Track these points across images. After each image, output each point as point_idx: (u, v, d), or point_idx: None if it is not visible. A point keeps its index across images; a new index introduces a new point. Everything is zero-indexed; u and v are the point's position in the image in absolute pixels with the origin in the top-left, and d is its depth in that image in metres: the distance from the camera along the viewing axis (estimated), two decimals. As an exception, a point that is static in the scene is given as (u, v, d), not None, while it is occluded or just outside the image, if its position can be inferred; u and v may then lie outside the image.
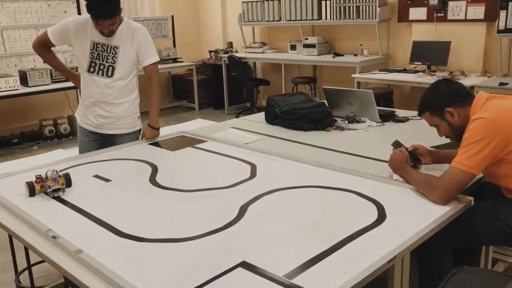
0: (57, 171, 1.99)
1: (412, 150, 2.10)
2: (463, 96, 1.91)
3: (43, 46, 2.78)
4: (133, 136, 2.85)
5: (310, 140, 2.67)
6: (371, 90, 3.07)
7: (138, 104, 2.87)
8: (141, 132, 2.87)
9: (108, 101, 2.72)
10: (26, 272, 2.64)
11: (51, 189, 1.94)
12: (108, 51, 2.65)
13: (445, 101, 1.90)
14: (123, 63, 2.69)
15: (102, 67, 2.67)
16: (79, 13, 6.20)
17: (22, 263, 2.70)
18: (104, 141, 2.81)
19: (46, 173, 1.98)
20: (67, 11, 6.13)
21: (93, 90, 2.71)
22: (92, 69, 2.68)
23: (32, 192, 1.96)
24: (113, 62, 2.66)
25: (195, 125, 3.58)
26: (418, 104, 2.01)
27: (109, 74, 2.68)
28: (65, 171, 2.08)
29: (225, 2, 7.82)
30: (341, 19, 5.95)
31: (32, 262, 2.61)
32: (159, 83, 2.85)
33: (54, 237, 1.58)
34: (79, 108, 2.87)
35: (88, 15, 2.60)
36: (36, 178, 1.98)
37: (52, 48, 2.82)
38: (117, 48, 2.65)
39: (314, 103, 3.05)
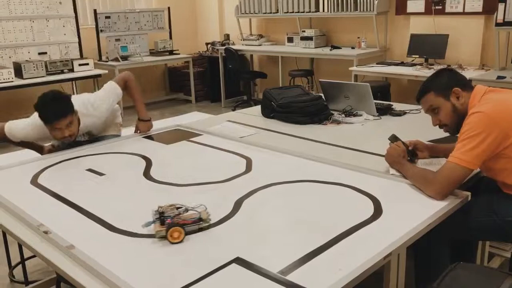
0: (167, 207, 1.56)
1: (409, 144, 2.08)
2: (467, 82, 1.91)
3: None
4: (118, 136, 2.86)
5: (306, 134, 2.64)
6: (368, 83, 3.05)
7: (119, 116, 2.89)
8: (135, 128, 2.84)
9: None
10: (20, 266, 2.62)
11: (207, 216, 1.56)
12: (82, 136, 2.62)
13: (452, 82, 1.89)
14: (97, 127, 2.68)
15: (78, 138, 2.58)
16: (74, 3, 6.15)
17: (16, 257, 2.69)
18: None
19: (164, 208, 1.55)
20: (62, 2, 6.06)
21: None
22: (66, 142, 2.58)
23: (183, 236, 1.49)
24: (88, 136, 2.64)
25: (191, 118, 3.55)
26: (419, 88, 1.95)
27: (87, 137, 2.66)
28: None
29: (221, -6, 7.76)
30: (338, 11, 5.90)
31: (25, 256, 2.59)
32: (131, 79, 2.76)
33: (45, 232, 1.55)
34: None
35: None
36: (160, 216, 1.52)
37: None
38: (89, 131, 2.62)
39: (310, 96, 3.03)
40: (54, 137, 2.46)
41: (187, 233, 1.49)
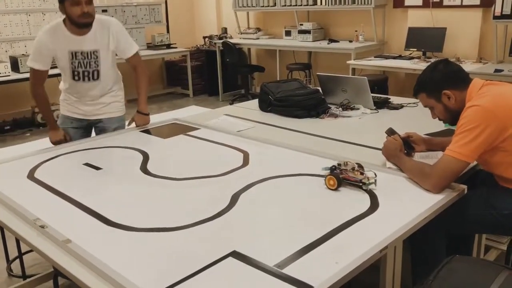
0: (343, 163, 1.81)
1: (406, 138, 2.08)
2: (461, 79, 1.88)
3: (41, 86, 2.64)
4: (121, 118, 2.84)
5: (303, 128, 2.64)
6: (365, 77, 3.04)
7: (123, 88, 2.86)
8: (131, 119, 2.83)
9: (95, 94, 2.71)
10: (18, 260, 2.63)
11: (369, 181, 1.76)
12: (89, 57, 2.58)
13: (443, 83, 1.86)
14: (106, 63, 2.64)
15: (86, 73, 2.62)
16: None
17: (13, 252, 2.69)
18: (88, 127, 2.80)
19: (343, 163, 1.81)
20: (58, -5, 6.02)
21: (80, 92, 2.69)
22: (76, 77, 2.62)
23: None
24: (96, 66, 2.61)
25: (188, 112, 3.54)
26: (414, 84, 1.96)
27: (95, 77, 2.64)
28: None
29: (219, -13, 7.72)
30: (336, 4, 5.89)
31: (23, 251, 2.59)
32: (145, 69, 2.82)
33: (42, 227, 1.55)
34: (62, 102, 2.79)
35: (54, 23, 2.51)
36: (334, 166, 1.81)
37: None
38: (97, 51, 2.59)
39: (308, 90, 3.02)
40: (73, 14, 2.42)
41: (339, 185, 1.78)
